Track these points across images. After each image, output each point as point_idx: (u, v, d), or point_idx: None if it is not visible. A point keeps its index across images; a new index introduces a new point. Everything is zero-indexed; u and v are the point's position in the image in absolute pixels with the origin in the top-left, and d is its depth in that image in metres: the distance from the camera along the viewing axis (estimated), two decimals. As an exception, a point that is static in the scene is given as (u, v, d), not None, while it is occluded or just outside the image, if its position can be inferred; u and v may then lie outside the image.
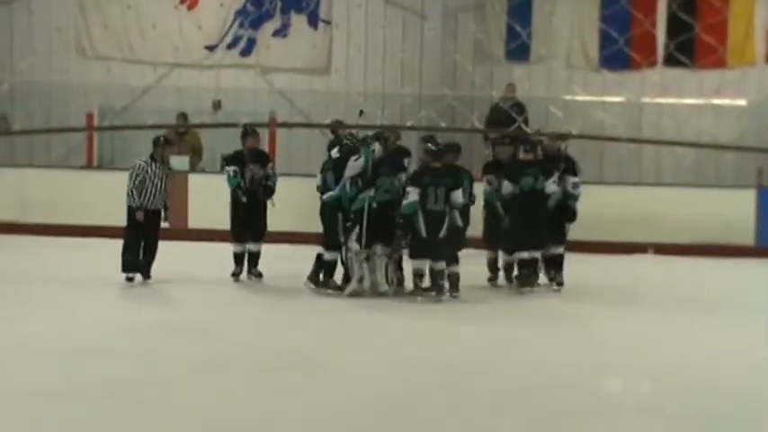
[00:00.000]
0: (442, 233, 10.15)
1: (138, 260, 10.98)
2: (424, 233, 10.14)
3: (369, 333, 8.89)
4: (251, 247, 11.21)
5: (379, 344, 8.40)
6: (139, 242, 11.02)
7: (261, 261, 11.28)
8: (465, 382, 7.07)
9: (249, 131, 11.16)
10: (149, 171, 11.03)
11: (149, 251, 11.10)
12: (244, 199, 11.06)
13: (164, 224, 11.36)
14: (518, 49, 17.21)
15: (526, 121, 15.23)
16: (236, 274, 11.17)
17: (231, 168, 11.08)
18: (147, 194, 11.00)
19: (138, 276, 11.00)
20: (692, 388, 7.00)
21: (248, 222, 11.14)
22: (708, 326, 9.41)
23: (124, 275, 10.90)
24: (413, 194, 10.11)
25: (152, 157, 11.17)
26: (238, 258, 11.21)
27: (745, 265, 13.87)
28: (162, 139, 11.31)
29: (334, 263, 10.50)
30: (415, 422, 6.02)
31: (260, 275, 11.18)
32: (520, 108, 15.38)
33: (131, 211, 10.99)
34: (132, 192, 10.95)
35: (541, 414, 6.30)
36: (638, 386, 7.15)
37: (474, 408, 6.42)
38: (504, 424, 6.08)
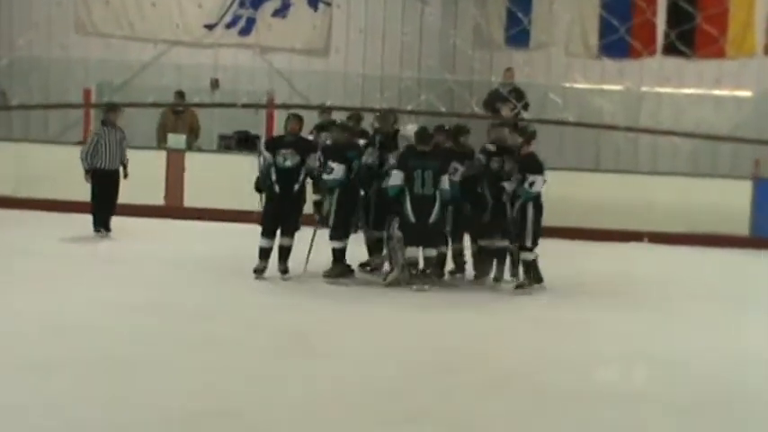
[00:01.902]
0: (433, 218, 9.92)
1: (103, 217, 12.78)
2: (412, 218, 9.88)
3: (366, 319, 8.91)
4: (281, 241, 10.20)
5: (375, 329, 8.43)
6: (104, 200, 12.77)
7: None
8: (460, 367, 7.11)
9: (290, 115, 10.53)
10: (103, 135, 12.79)
11: (110, 206, 12.86)
12: (276, 189, 10.18)
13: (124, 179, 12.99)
14: (518, 35, 17.16)
15: (526, 107, 15.21)
16: (258, 271, 10.16)
17: (263, 154, 10.40)
18: (102, 156, 12.73)
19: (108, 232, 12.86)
20: (683, 376, 7.05)
21: (280, 215, 10.20)
22: (701, 315, 9.44)
23: (93, 231, 12.73)
24: (396, 177, 9.89)
25: (104, 122, 12.92)
26: (263, 254, 10.18)
27: (740, 255, 13.89)
28: (111, 104, 13.25)
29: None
30: (411, 405, 6.05)
31: (285, 272, 10.24)
32: (519, 94, 15.35)
33: (95, 175, 12.74)
34: (86, 156, 12.69)
35: (535, 400, 6.34)
36: (629, 374, 7.20)
37: (469, 392, 6.46)
38: (498, 408, 6.11)
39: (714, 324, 9.07)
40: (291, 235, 10.22)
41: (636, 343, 8.11)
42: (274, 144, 10.46)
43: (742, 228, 14.89)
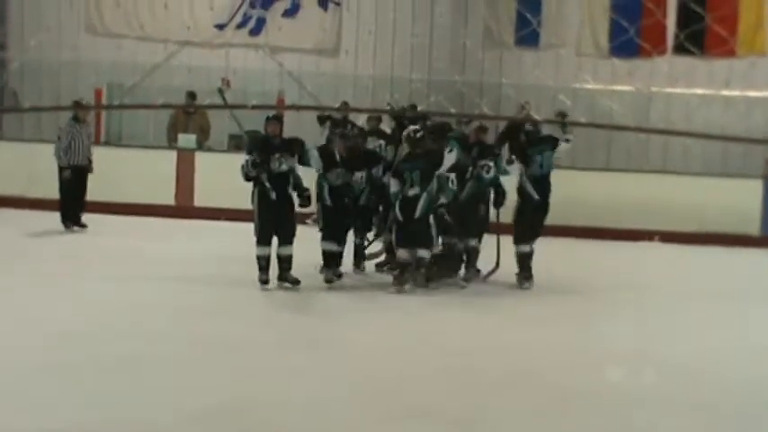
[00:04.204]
0: (417, 213, 9.75)
1: (73, 212, 13.00)
2: (400, 218, 9.84)
3: (370, 316, 8.92)
4: (280, 250, 9.74)
5: (380, 327, 8.44)
6: (75, 196, 13.00)
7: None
8: (465, 365, 7.09)
9: (269, 117, 9.91)
10: (75, 131, 12.97)
11: (81, 201, 13.12)
12: (273, 195, 9.65)
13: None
14: (528, 36, 17.15)
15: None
16: (263, 282, 9.71)
17: (249, 158, 9.66)
18: (75, 152, 12.94)
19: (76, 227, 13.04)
20: (694, 376, 7.03)
21: (275, 221, 9.72)
22: (711, 314, 9.42)
23: (63, 226, 12.93)
24: (393, 185, 9.90)
25: (75, 118, 13.05)
26: (263, 263, 9.73)
27: (751, 254, 13.87)
28: (83, 101, 13.38)
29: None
30: (416, 403, 6.05)
31: (296, 282, 9.74)
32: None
33: (62, 171, 12.92)
34: (64, 152, 12.84)
35: (541, 398, 6.33)
36: (639, 373, 7.17)
37: (474, 390, 6.45)
38: (504, 407, 6.11)
39: (725, 324, 9.05)
40: (291, 242, 9.76)
41: (646, 342, 8.09)
42: (266, 148, 9.77)
43: (753, 227, 14.89)
